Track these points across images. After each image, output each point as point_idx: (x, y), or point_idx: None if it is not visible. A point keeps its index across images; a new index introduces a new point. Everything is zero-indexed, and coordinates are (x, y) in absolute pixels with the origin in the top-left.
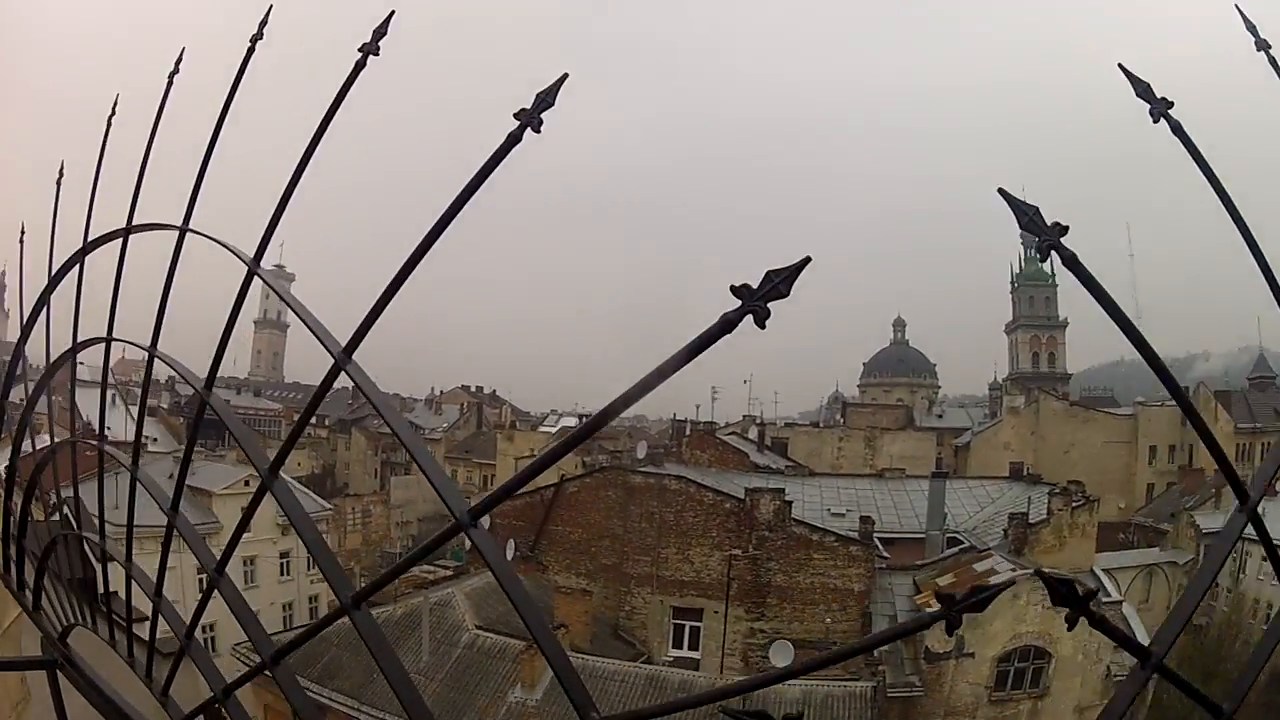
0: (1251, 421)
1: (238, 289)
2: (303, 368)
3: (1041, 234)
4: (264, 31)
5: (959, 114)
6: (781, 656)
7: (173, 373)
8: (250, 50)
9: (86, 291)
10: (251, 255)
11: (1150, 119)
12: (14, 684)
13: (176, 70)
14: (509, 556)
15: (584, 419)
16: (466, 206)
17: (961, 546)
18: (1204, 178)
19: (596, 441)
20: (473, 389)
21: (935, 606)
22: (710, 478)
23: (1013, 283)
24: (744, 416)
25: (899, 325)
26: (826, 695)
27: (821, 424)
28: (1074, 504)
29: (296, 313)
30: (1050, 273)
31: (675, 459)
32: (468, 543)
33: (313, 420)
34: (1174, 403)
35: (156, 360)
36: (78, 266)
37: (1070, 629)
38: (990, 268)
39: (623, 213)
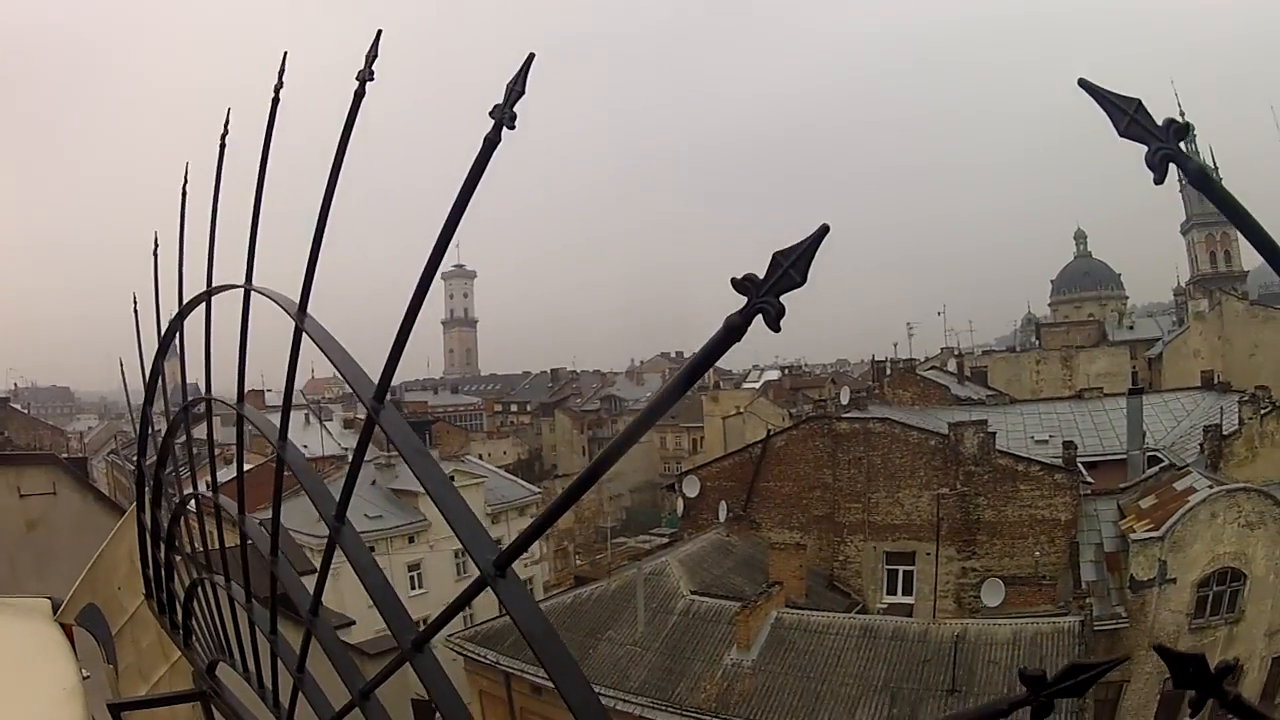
0: None
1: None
2: (496, 360)
3: (1151, 139)
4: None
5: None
6: (993, 595)
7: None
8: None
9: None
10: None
11: None
12: (184, 713)
13: (226, 132)
14: (721, 518)
15: (787, 370)
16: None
17: (1162, 465)
18: None
19: (800, 393)
20: (672, 355)
21: (1138, 531)
22: (914, 416)
23: (1180, 181)
24: (942, 349)
25: (1080, 238)
26: (1035, 633)
27: (1018, 348)
28: (1263, 411)
29: (331, 359)
30: (1213, 165)
31: (879, 400)
32: (680, 508)
33: (514, 408)
34: None
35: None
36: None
37: (1194, 715)
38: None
39: (799, 170)
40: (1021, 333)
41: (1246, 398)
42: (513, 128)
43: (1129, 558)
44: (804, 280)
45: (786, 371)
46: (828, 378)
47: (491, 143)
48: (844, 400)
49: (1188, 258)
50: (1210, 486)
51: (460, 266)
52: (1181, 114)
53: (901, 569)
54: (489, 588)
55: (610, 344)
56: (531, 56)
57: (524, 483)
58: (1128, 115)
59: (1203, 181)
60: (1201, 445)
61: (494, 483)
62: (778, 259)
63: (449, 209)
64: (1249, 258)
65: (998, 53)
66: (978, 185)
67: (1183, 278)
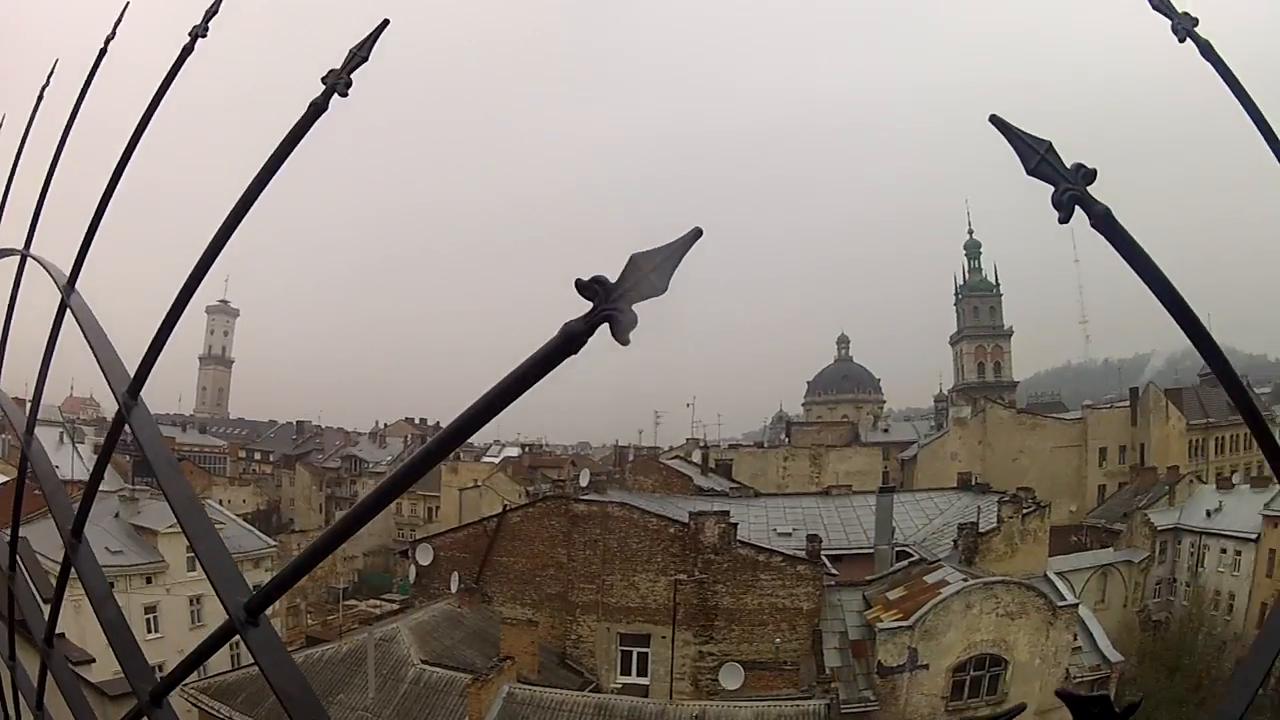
0: (1204, 417)
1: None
2: (246, 404)
3: (1060, 180)
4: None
5: (899, 117)
6: (732, 679)
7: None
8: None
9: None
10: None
11: (1175, 38)
12: None
13: (47, 84)
14: (453, 589)
15: (527, 448)
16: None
17: (911, 559)
18: (1238, 105)
19: (540, 471)
20: (416, 421)
21: (885, 620)
22: (654, 503)
23: (957, 294)
24: (687, 439)
25: (843, 342)
26: (779, 715)
27: (766, 444)
28: (1024, 511)
29: (89, 340)
30: (995, 282)
31: (619, 485)
32: (412, 575)
33: (257, 456)
34: (1123, 404)
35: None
36: None
37: None
38: (934, 280)
39: (556, 239)
40: (771, 429)
41: (1008, 498)
42: (345, 95)
43: (876, 645)
44: (665, 288)
45: (527, 449)
46: (568, 458)
47: (318, 109)
48: (583, 482)
49: (954, 367)
50: (964, 579)
51: (225, 302)
52: (970, 231)
53: (636, 650)
54: (238, 635)
55: (357, 403)
56: (385, 23)
57: (261, 534)
58: (1038, 155)
59: (1108, 226)
60: (956, 541)
61: (232, 530)
62: (637, 261)
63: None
64: (1019, 369)
65: (767, 168)
66: (739, 288)
67: (946, 385)
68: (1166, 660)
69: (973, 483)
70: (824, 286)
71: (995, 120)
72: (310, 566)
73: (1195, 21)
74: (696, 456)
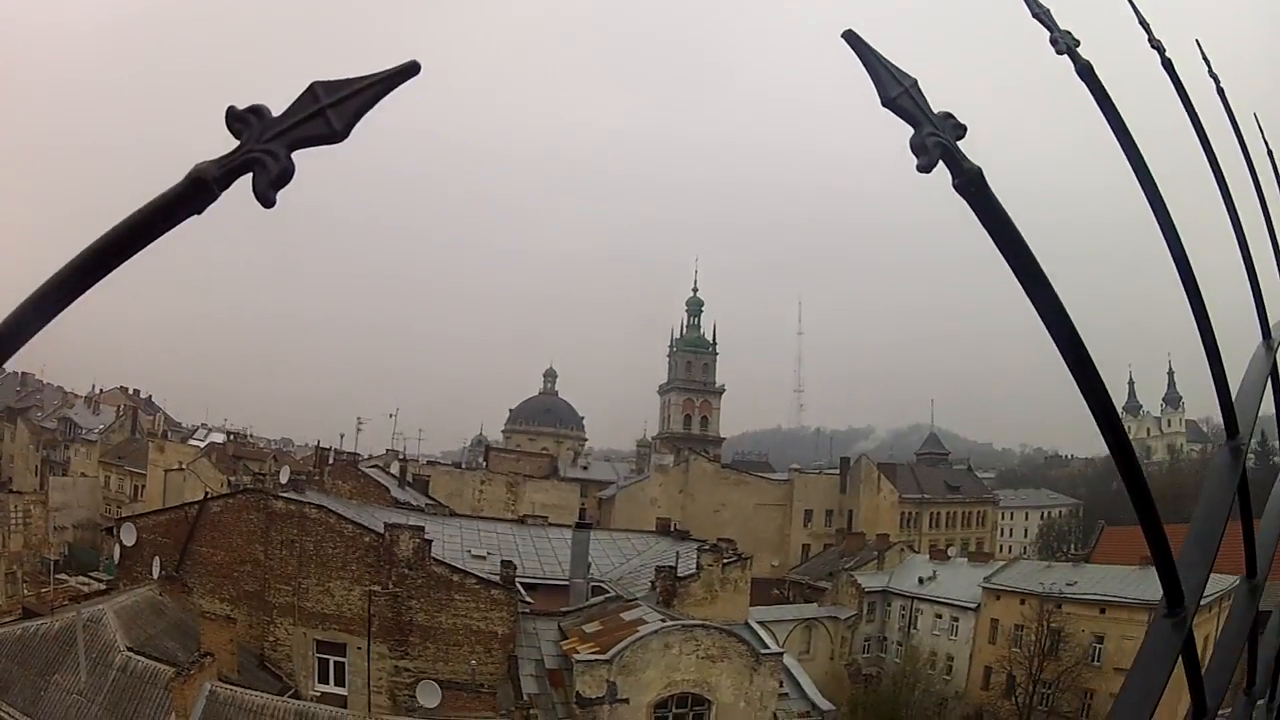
0: (919, 492)
1: None
2: None
3: (924, 122)
4: None
5: (656, 166)
6: (429, 696)
7: None
8: None
9: None
10: None
11: (1053, 49)
12: None
13: None
14: (154, 575)
15: (233, 436)
16: None
17: (608, 595)
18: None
19: (243, 462)
20: (131, 391)
21: (582, 652)
22: (351, 510)
23: (672, 347)
24: (387, 450)
25: (550, 376)
26: None
27: (464, 465)
28: (726, 560)
29: None
30: (712, 341)
31: (317, 487)
32: (117, 554)
33: None
34: (833, 470)
35: None
36: None
37: None
38: (649, 330)
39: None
40: (470, 452)
41: (708, 547)
42: None
43: (574, 676)
44: (345, 133)
45: (232, 437)
46: (272, 452)
47: None
48: (283, 479)
49: (661, 415)
50: (662, 620)
51: None
52: (695, 289)
53: (333, 659)
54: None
55: (77, 361)
56: None
57: None
58: (901, 87)
59: (977, 189)
60: (653, 583)
61: None
62: (316, 91)
63: None
64: (727, 426)
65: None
66: (454, 304)
67: (651, 432)
68: (882, 711)
69: (672, 529)
70: (539, 318)
71: (850, 37)
72: None
73: (1077, 42)
74: (395, 468)
